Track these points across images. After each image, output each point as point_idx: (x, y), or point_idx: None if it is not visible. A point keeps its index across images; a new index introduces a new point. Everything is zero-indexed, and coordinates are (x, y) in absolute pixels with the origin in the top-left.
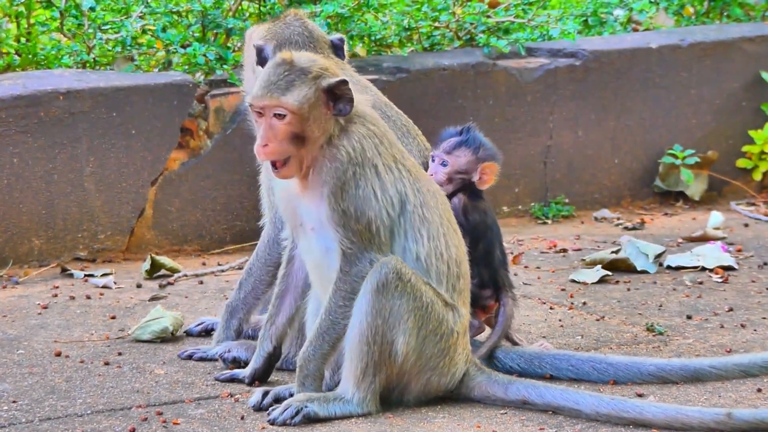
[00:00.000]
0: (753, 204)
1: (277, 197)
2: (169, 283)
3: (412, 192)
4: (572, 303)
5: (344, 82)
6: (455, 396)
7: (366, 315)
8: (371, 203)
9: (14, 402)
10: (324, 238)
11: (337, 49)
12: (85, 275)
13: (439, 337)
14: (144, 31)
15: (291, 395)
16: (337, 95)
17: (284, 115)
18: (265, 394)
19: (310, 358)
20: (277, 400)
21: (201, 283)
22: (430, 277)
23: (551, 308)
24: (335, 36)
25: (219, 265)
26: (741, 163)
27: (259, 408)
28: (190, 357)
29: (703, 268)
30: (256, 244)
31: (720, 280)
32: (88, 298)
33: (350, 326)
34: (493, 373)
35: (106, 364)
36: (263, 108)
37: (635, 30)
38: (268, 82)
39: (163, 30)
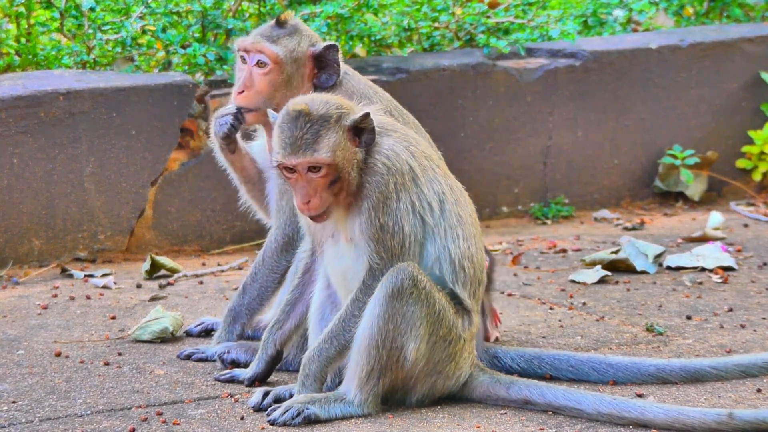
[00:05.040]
0: (752, 204)
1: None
2: (169, 284)
3: (448, 189)
4: (572, 303)
5: (367, 115)
6: (457, 396)
7: (378, 319)
8: (409, 217)
9: (14, 402)
10: (358, 249)
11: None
12: (85, 275)
13: (448, 342)
14: (144, 32)
15: (291, 396)
16: (361, 129)
17: (319, 168)
18: (266, 394)
19: (314, 359)
20: (277, 400)
21: (201, 283)
22: (457, 281)
23: (551, 308)
24: (320, 45)
25: (219, 265)
26: (740, 163)
27: (259, 408)
28: (188, 357)
29: (703, 269)
30: (256, 245)
31: (720, 280)
32: (88, 298)
33: (360, 328)
34: (494, 374)
35: (106, 364)
36: (296, 166)
37: (635, 30)
38: (293, 138)
39: (163, 30)
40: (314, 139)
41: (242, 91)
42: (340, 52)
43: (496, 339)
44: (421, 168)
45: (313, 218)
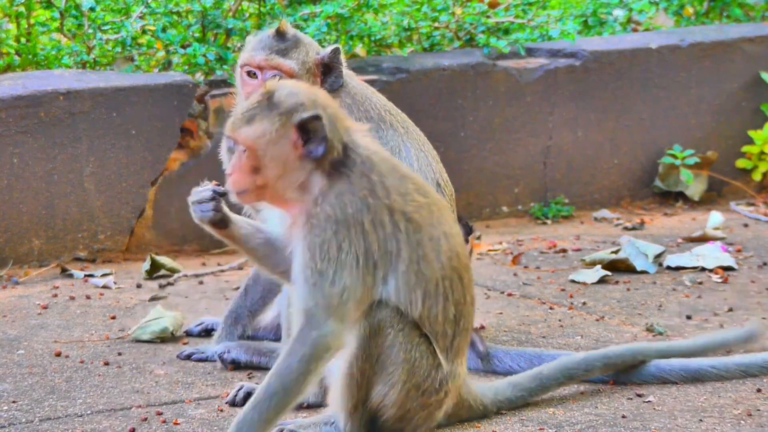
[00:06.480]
0: (752, 204)
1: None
2: (169, 284)
3: (407, 247)
4: (572, 303)
5: (316, 117)
6: None
7: (357, 359)
8: (351, 270)
9: (14, 402)
10: (296, 288)
11: (327, 68)
12: (85, 275)
13: (421, 392)
14: (144, 32)
15: None
16: (309, 132)
17: (245, 149)
18: (240, 389)
19: (252, 424)
20: (249, 396)
21: (201, 283)
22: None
23: (551, 308)
24: (325, 51)
25: (219, 265)
26: (740, 163)
27: (233, 404)
28: (188, 357)
29: (703, 269)
30: None
31: (720, 280)
32: (88, 298)
33: (338, 365)
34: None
35: (106, 364)
36: (231, 138)
37: (635, 30)
38: (236, 112)
39: (163, 30)
40: (249, 119)
41: None
42: (342, 53)
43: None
44: (374, 223)
45: (238, 196)
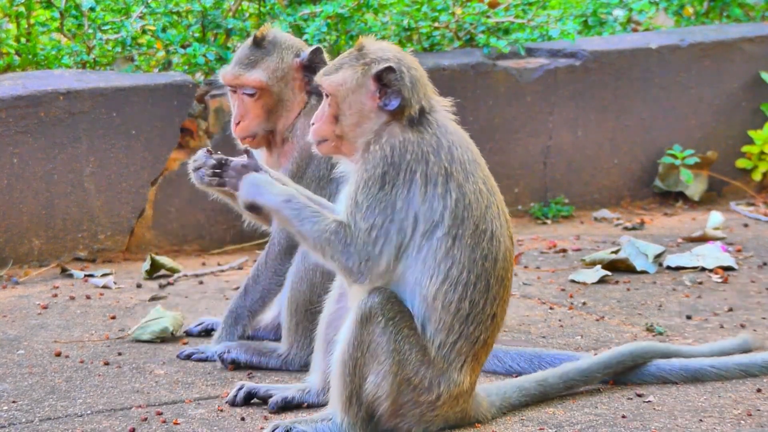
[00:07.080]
0: (752, 204)
1: None
2: (169, 283)
3: (451, 217)
4: (572, 303)
5: (390, 70)
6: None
7: (349, 345)
8: (385, 211)
9: (14, 402)
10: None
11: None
12: (85, 275)
13: (412, 387)
14: (144, 32)
15: (266, 393)
16: (386, 85)
17: (327, 96)
18: (240, 389)
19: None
20: (249, 396)
21: (201, 283)
22: (429, 324)
23: (551, 308)
24: (305, 52)
25: (219, 265)
26: (740, 163)
27: (233, 404)
28: (188, 357)
29: (703, 268)
30: (256, 245)
31: (720, 280)
32: (88, 298)
33: (334, 353)
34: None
35: (106, 364)
36: (318, 84)
37: (635, 30)
38: (331, 62)
39: (163, 30)
40: (337, 68)
41: (239, 122)
42: (325, 53)
43: None
44: (426, 177)
45: (317, 145)
